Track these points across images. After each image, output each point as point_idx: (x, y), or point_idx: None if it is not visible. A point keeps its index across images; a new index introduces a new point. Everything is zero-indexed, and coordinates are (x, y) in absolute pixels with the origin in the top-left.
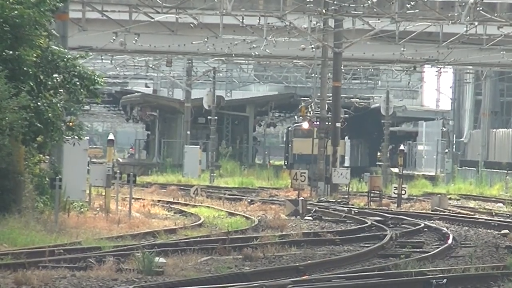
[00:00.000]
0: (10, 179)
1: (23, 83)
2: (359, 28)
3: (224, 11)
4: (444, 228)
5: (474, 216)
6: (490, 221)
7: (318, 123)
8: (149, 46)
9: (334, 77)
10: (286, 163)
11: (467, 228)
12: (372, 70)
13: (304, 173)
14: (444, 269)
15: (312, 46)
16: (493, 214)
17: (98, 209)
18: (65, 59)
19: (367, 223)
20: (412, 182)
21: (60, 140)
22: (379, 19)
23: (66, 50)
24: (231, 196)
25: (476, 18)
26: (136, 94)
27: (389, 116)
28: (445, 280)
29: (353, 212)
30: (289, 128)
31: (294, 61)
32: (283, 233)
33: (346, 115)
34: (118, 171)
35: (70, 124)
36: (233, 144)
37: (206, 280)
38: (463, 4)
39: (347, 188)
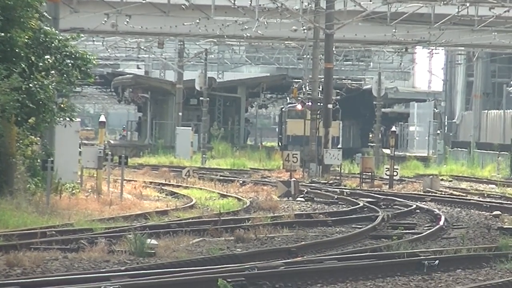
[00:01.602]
0: (2, 160)
1: (14, 64)
2: (350, 10)
3: None
4: (436, 209)
5: (466, 198)
6: (482, 203)
7: (310, 104)
8: (140, 28)
9: (326, 58)
10: (279, 145)
11: (459, 209)
12: (364, 51)
13: (296, 154)
14: (436, 250)
15: (304, 27)
16: (485, 195)
17: (89, 190)
18: (57, 40)
19: (359, 204)
20: (404, 163)
21: (52, 121)
22: (370, 0)
23: (57, 31)
24: (223, 178)
25: None
26: (128, 75)
27: (381, 97)
28: (437, 261)
29: (345, 194)
30: (283, 109)
31: (286, 42)
32: (275, 214)
33: (338, 97)
34: (110, 152)
35: (62, 105)
36: (225, 125)
37: (198, 262)
38: None
39: (339, 169)
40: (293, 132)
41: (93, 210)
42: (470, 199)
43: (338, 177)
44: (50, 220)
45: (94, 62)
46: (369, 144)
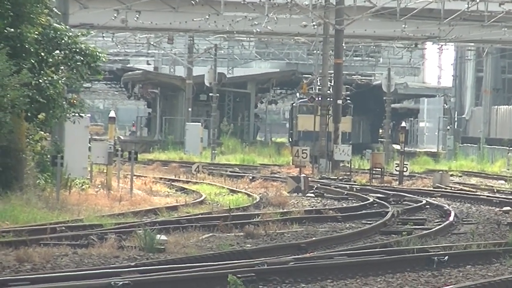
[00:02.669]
0: (12, 156)
1: (24, 60)
2: (360, 5)
3: None
4: (446, 205)
5: (476, 193)
6: (491, 198)
7: (319, 99)
8: (150, 23)
9: (336, 54)
10: (290, 140)
11: (468, 205)
12: (374, 47)
13: (306, 150)
14: (446, 246)
15: (314, 23)
16: (495, 191)
17: (99, 186)
18: (67, 36)
19: (369, 200)
20: (414, 159)
21: (61, 117)
22: None
23: (67, 27)
24: (232, 173)
25: None
26: (138, 71)
27: (391, 93)
28: (446, 257)
29: (355, 189)
30: (294, 104)
31: (296, 38)
32: (285, 210)
33: (348, 92)
34: (120, 148)
35: (72, 101)
36: (234, 121)
37: (207, 257)
38: None
39: (349, 165)
40: (304, 128)
41: (103, 205)
42: (480, 195)
43: (348, 173)
44: (60, 216)
45: (104, 59)
46: (379, 139)
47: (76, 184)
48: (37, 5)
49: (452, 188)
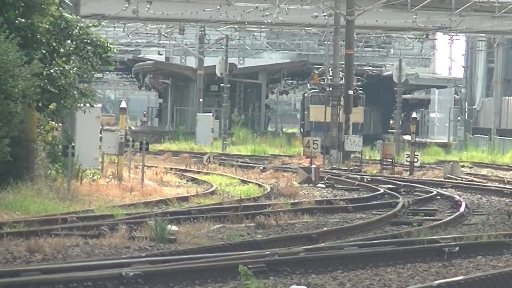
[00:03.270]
0: (23, 146)
1: (35, 50)
2: None
3: None
4: (457, 196)
5: (487, 184)
6: (502, 189)
7: (331, 90)
8: (161, 14)
9: (347, 45)
10: (302, 131)
11: (479, 195)
12: (385, 37)
13: (317, 140)
14: (456, 236)
15: (325, 13)
16: (506, 181)
17: (110, 177)
18: (77, 27)
19: (379, 190)
20: (425, 150)
21: (73, 107)
22: None
23: (78, 17)
24: (243, 164)
25: None
26: (149, 61)
27: (402, 83)
28: (457, 248)
29: (365, 180)
30: (306, 95)
31: (307, 28)
32: (296, 200)
33: (359, 83)
34: (131, 138)
35: (83, 91)
36: (245, 111)
37: (218, 248)
38: None
39: (360, 155)
40: (316, 118)
41: (113, 196)
42: (490, 186)
43: (358, 164)
44: (71, 206)
45: (115, 50)
46: (389, 130)
47: (87, 175)
48: None
49: (463, 179)
